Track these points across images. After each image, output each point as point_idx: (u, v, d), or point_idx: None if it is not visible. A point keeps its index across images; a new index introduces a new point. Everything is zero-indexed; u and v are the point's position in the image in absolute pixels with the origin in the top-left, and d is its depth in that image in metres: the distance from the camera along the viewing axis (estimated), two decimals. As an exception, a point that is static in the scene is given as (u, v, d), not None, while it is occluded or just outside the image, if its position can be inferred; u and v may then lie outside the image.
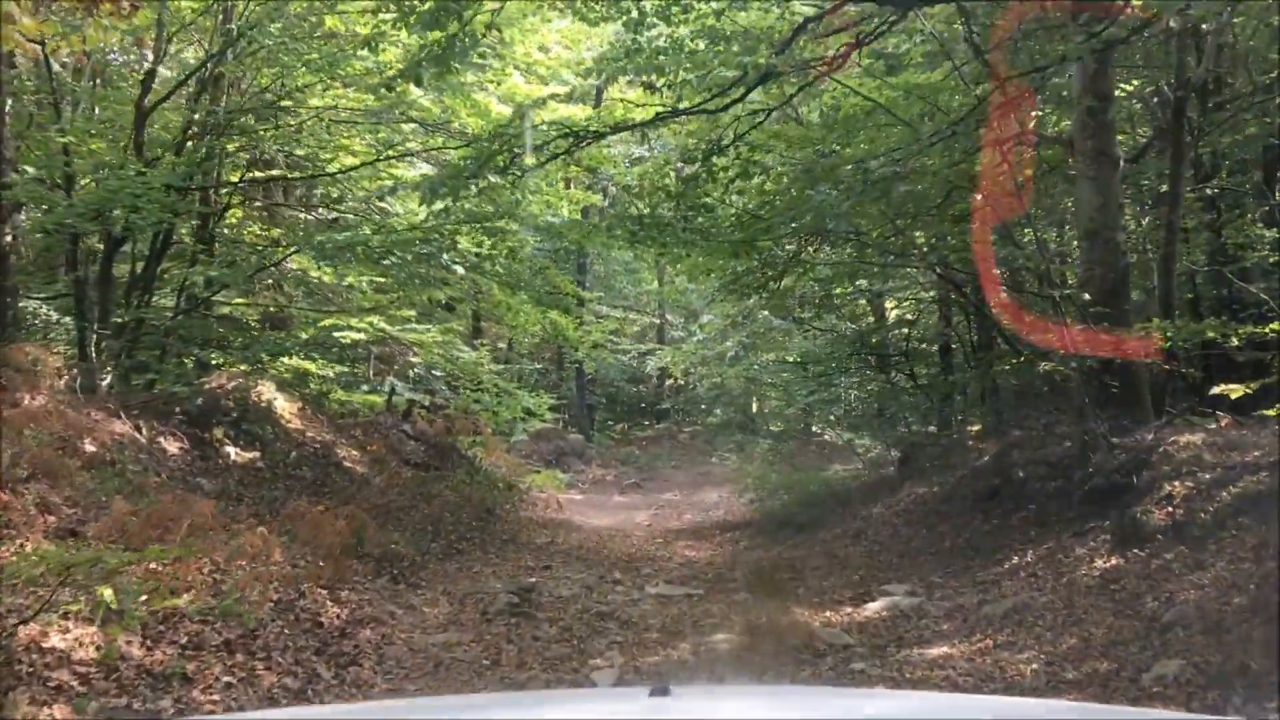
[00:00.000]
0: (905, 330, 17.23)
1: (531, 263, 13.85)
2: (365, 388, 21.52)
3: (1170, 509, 8.61)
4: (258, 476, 12.41)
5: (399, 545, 10.60)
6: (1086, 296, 9.67)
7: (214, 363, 14.48)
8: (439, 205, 7.88)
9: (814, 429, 25.32)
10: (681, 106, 8.08)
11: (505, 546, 13.01)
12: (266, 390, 14.09)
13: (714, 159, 8.67)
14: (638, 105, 9.04)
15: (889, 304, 23.17)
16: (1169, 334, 9.22)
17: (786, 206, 9.23)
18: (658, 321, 28.13)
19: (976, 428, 14.90)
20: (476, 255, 13.70)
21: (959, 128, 8.65)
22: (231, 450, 12.60)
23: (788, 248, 11.38)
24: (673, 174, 9.32)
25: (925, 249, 11.84)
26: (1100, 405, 10.07)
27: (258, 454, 12.82)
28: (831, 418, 21.09)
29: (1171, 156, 10.92)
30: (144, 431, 11.61)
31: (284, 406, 14.31)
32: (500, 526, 14.29)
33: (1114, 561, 8.45)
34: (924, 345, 17.73)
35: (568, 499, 20.06)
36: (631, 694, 2.99)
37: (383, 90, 8.64)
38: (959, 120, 8.26)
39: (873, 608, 8.83)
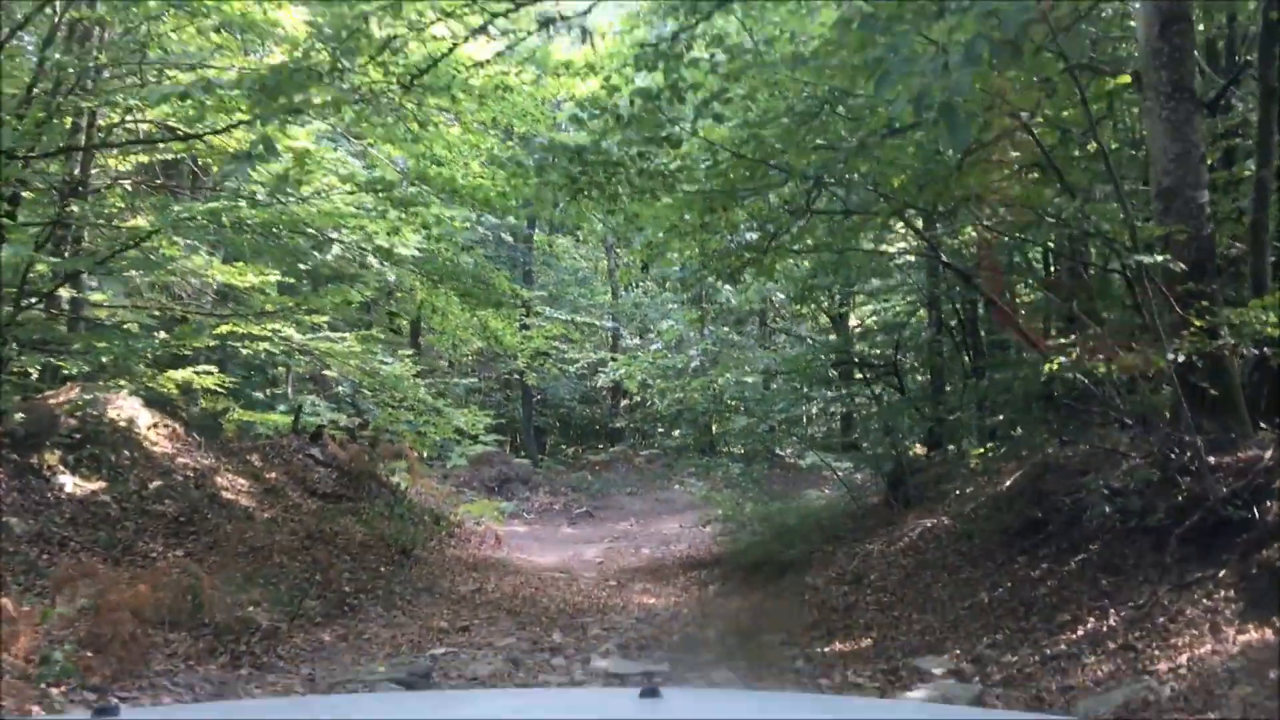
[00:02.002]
0: (894, 336, 14.50)
1: (453, 243, 10.96)
2: (283, 408, 18.59)
3: (1331, 555, 5.92)
4: (99, 513, 9.45)
5: (259, 607, 7.67)
6: (1182, 266, 6.99)
7: (65, 372, 11.49)
8: (279, 105, 5.05)
9: (778, 451, 22.59)
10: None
11: (418, 598, 10.10)
12: (126, 406, 11.11)
13: (681, 66, 5.96)
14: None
15: (864, 309, 20.61)
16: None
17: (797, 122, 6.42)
18: (610, 325, 25.19)
19: (979, 450, 12.18)
20: (387, 238, 10.83)
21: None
22: (67, 480, 9.63)
23: (774, 204, 8.61)
24: (625, 88, 6.54)
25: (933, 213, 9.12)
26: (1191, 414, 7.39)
27: (103, 484, 9.84)
28: (803, 437, 18.36)
29: (1260, 97, 8.32)
30: (-66, 457, 8.68)
31: (151, 427, 11.33)
32: (417, 571, 11.37)
33: (1257, 632, 5.74)
34: (901, 358, 15.00)
35: (509, 531, 17.15)
36: (622, 694, 2.77)
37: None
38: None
39: (912, 700, 6.01)
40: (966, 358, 15.30)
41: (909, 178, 6.77)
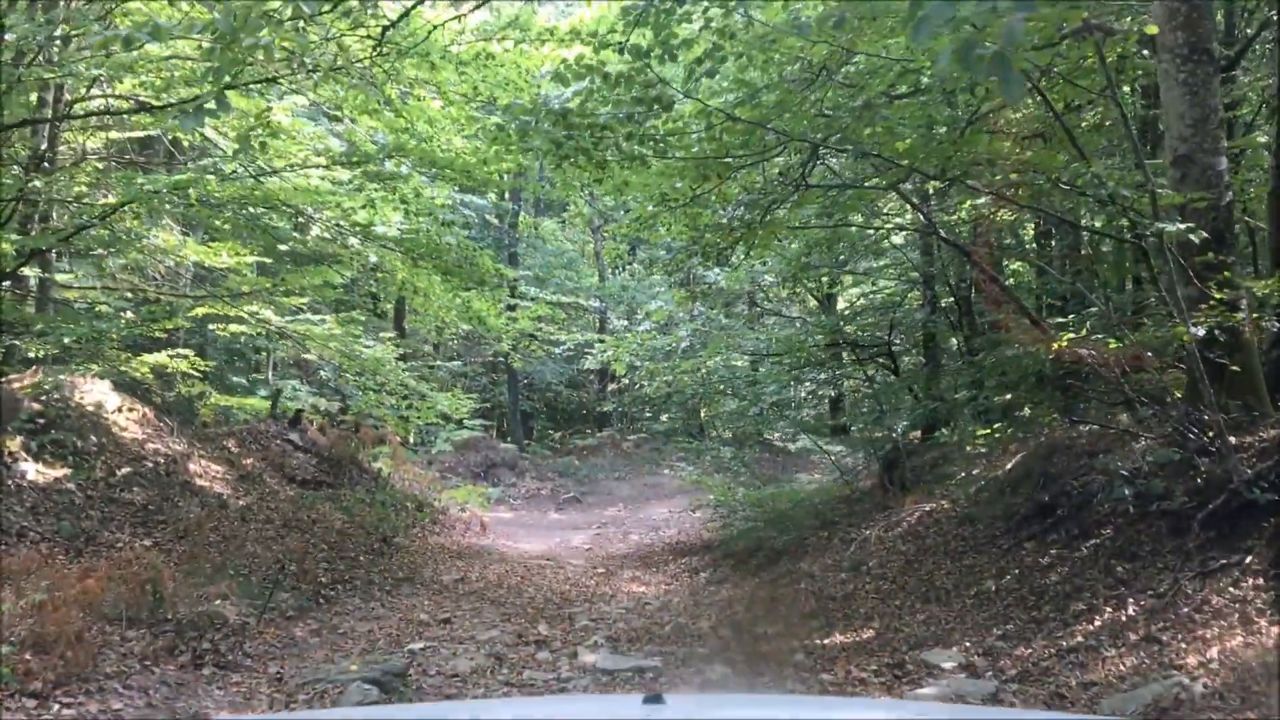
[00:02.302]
0: (888, 316, 14.05)
1: (434, 220, 10.41)
2: (263, 392, 18.10)
3: (1369, 540, 5.51)
4: (62, 502, 8.98)
5: (228, 601, 7.19)
6: (1204, 235, 6.55)
7: (31, 355, 10.97)
8: (237, 54, 4.51)
9: (768, 435, 22.18)
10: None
11: (398, 589, 9.63)
12: (94, 390, 10.60)
13: (672, 21, 5.46)
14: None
15: (853, 291, 20.17)
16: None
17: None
18: (596, 307, 24.51)
19: (984, 431, 11.69)
20: (365, 214, 10.32)
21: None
22: (29, 467, 9.14)
23: (768, 177, 8.12)
24: (613, 51, 6.02)
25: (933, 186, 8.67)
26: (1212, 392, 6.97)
27: (68, 471, 9.34)
28: (794, 420, 17.91)
29: (1278, 61, 7.90)
30: (-118, 444, 8.19)
31: (120, 411, 10.82)
32: (398, 560, 10.89)
33: (1293, 622, 5.31)
34: (895, 338, 14.51)
35: (495, 518, 16.69)
36: (625, 701, 2.78)
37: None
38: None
39: (922, 696, 5.57)
40: (960, 338, 14.89)
41: (914, 142, 6.28)
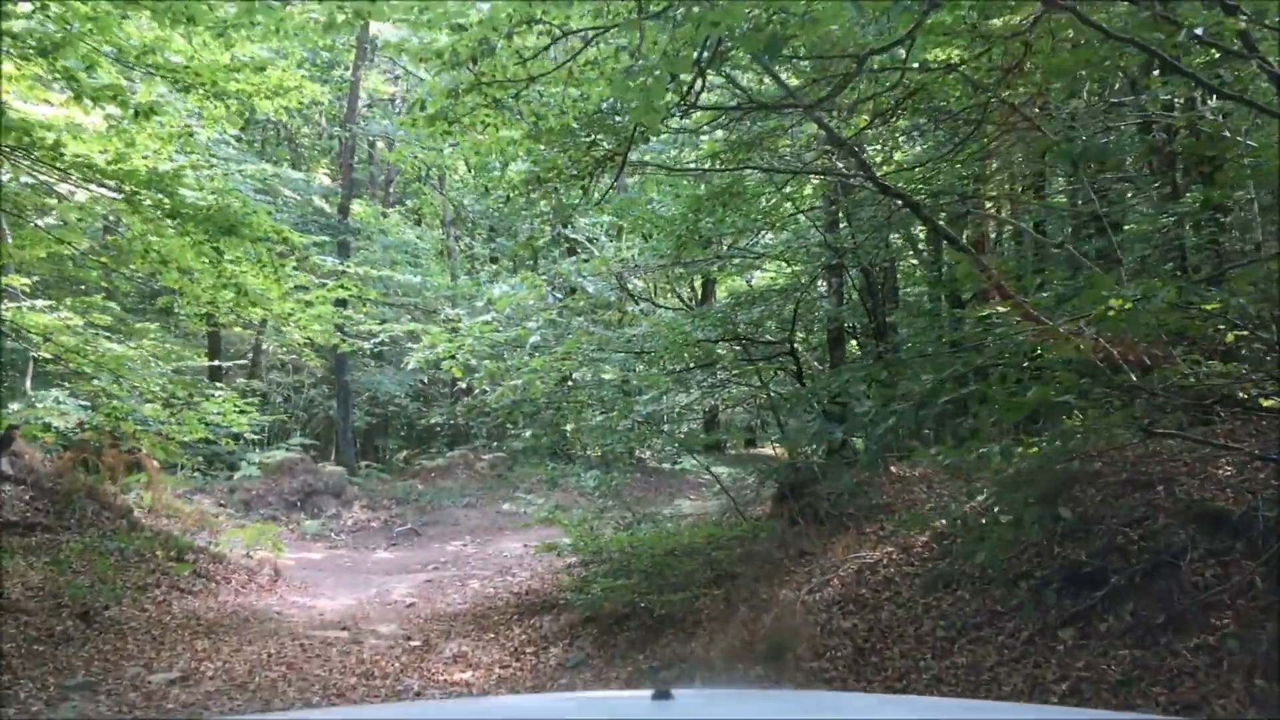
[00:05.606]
0: (790, 303, 10.84)
1: (132, 116, 6.60)
2: (15, 405, 13.94)
3: None
4: None
5: None
6: None
7: None
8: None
9: (641, 453, 18.85)
10: None
11: (60, 705, 5.86)
12: None
13: None
14: None
15: (733, 281, 17.10)
16: None
17: None
18: (450, 309, 20.72)
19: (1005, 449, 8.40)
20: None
21: None
22: None
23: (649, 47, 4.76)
24: None
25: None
26: None
27: None
28: (673, 435, 14.61)
29: None
30: None
31: None
32: (94, 647, 7.09)
33: None
34: (799, 334, 11.32)
35: (301, 560, 12.91)
36: (634, 697, 2.66)
37: None
38: None
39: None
40: (873, 333, 11.91)
41: None
